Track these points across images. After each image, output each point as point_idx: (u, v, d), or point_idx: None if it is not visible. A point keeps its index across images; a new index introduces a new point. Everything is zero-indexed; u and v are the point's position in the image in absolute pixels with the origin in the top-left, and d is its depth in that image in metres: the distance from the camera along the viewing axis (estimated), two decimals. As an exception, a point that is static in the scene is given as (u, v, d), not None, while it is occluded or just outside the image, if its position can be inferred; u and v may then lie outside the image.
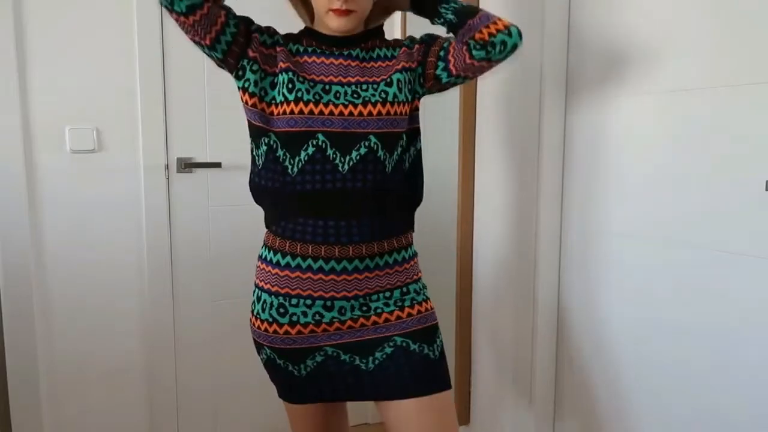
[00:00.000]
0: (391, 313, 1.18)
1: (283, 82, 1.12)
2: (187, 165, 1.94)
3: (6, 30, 1.67)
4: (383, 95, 1.13)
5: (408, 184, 1.21)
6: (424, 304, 1.21)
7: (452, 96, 1.73)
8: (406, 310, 1.18)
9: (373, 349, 1.17)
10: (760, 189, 1.08)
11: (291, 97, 1.11)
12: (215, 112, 1.97)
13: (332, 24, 1.12)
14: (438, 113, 1.93)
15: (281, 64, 1.14)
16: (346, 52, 1.18)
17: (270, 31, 1.19)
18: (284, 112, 1.10)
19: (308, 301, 1.15)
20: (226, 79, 1.88)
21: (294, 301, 1.16)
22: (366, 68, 1.18)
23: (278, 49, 1.16)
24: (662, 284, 1.29)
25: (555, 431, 1.63)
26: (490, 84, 1.66)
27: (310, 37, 1.20)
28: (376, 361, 1.17)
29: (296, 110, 1.10)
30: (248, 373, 2.12)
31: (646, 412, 1.34)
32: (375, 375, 1.17)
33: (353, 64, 1.17)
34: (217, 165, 1.97)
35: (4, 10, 1.66)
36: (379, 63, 1.19)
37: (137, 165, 1.88)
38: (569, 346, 1.57)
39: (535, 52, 1.51)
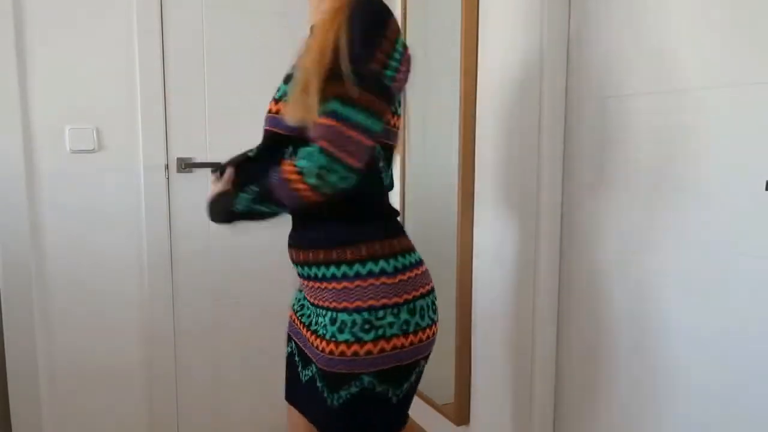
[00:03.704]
0: (310, 334, 1.08)
1: None
2: (187, 165, 1.94)
3: (6, 30, 1.67)
4: (277, 91, 1.07)
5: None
6: (331, 344, 1.00)
7: (452, 96, 1.73)
8: (317, 340, 1.04)
9: (306, 364, 1.12)
10: (760, 189, 1.08)
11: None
12: (215, 112, 1.98)
13: None
14: (438, 113, 1.93)
15: None
16: None
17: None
18: None
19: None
20: (226, 80, 1.89)
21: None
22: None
23: None
24: (663, 285, 1.29)
25: (555, 431, 1.63)
26: (490, 84, 1.66)
27: None
28: (306, 377, 1.11)
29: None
30: (248, 373, 2.13)
31: (647, 412, 1.34)
32: (303, 390, 1.12)
33: None
34: (217, 164, 1.97)
35: (4, 11, 1.66)
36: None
37: (137, 165, 1.89)
38: (569, 347, 1.56)
39: (535, 51, 1.51)
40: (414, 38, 2.05)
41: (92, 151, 1.83)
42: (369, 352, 0.98)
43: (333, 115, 0.91)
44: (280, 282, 2.12)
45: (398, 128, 1.09)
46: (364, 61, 0.91)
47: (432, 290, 1.09)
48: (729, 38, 1.13)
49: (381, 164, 1.05)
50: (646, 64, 1.30)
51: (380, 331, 0.99)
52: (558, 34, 1.49)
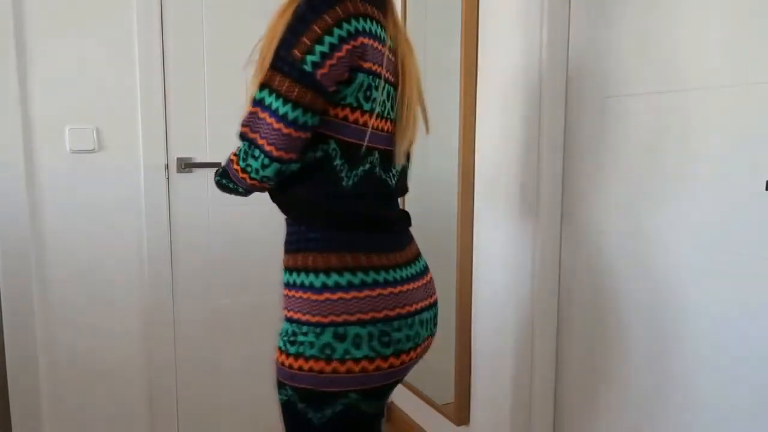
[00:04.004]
0: None
1: None
2: (187, 165, 1.94)
3: (6, 30, 1.67)
4: None
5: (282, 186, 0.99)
6: (280, 354, 0.97)
7: (452, 96, 1.73)
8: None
9: None
10: (760, 189, 1.08)
11: None
12: (215, 112, 1.98)
13: None
14: (438, 113, 1.93)
15: None
16: None
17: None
18: None
19: None
20: (226, 79, 1.89)
21: None
22: None
23: None
24: (663, 285, 1.29)
25: (555, 431, 1.63)
26: (490, 84, 1.66)
27: None
28: None
29: None
30: (249, 372, 2.13)
31: (647, 412, 1.34)
32: None
33: None
34: (217, 165, 1.97)
35: (4, 11, 1.67)
36: None
37: (137, 165, 1.89)
38: (569, 347, 1.57)
39: (535, 51, 1.51)
40: (414, 38, 2.05)
41: (92, 151, 1.83)
42: (290, 366, 0.95)
43: (253, 100, 0.92)
44: (279, 281, 2.12)
45: (372, 127, 0.98)
46: (290, 46, 0.88)
47: (391, 319, 0.95)
48: (729, 38, 1.13)
49: (337, 162, 0.95)
50: (646, 64, 1.30)
51: (301, 348, 0.94)
52: (558, 34, 1.49)
